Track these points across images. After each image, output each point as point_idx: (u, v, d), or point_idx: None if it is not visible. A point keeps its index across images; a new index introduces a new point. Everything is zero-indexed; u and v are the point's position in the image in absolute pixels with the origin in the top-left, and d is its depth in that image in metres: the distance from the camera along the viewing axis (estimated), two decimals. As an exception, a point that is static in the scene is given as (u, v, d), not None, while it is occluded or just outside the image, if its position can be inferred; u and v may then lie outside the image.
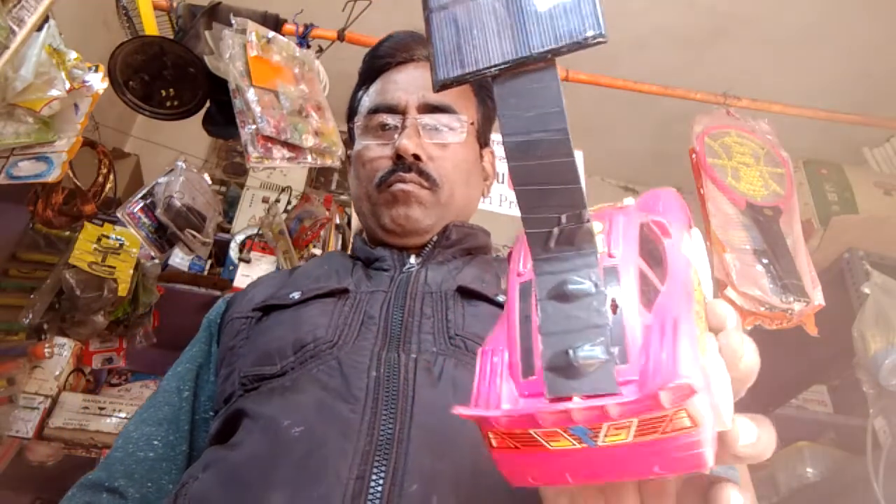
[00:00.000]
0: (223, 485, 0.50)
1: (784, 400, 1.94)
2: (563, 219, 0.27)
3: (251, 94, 1.24)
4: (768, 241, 1.37)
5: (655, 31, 2.23)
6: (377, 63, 0.82)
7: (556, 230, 0.27)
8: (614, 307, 0.27)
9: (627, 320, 0.26)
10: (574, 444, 0.26)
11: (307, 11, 1.56)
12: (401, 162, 0.72)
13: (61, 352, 1.69)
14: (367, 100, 0.81)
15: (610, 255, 0.28)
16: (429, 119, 0.75)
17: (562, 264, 0.28)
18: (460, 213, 0.77)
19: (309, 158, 1.31)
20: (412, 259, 0.72)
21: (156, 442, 0.65)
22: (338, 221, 2.09)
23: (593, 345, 0.26)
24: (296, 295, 0.66)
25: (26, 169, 1.25)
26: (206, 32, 1.40)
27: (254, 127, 1.23)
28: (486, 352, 0.30)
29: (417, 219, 0.72)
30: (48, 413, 1.62)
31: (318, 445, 0.48)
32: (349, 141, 0.86)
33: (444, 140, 0.76)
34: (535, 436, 0.26)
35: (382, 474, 0.46)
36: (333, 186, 2.54)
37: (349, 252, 0.80)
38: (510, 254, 0.33)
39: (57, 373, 1.67)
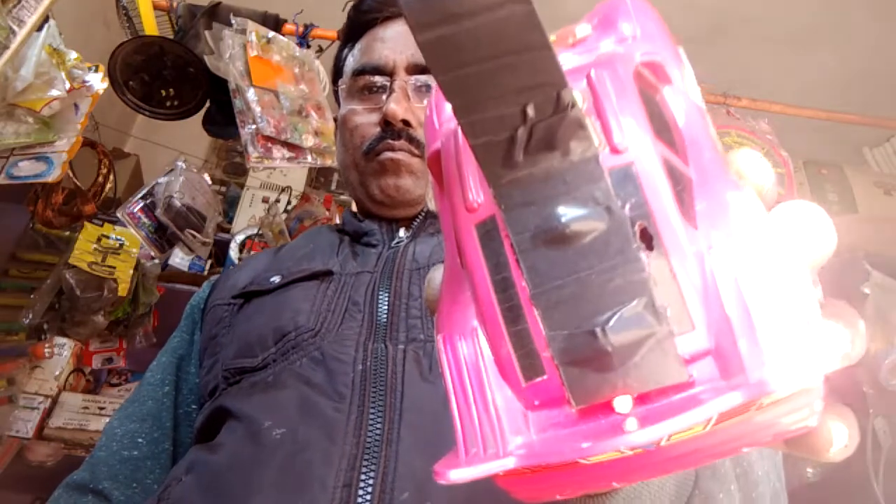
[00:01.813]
0: (204, 491, 0.47)
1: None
2: (530, 110, 0.16)
3: (251, 94, 1.24)
4: (768, 241, 1.37)
5: (655, 31, 2.23)
6: (362, 18, 0.75)
7: (521, 131, 0.17)
8: (646, 238, 0.17)
9: (674, 255, 0.17)
10: (625, 454, 0.17)
11: (307, 11, 1.56)
12: (389, 128, 0.66)
13: (61, 352, 1.69)
14: (352, 59, 0.74)
15: (615, 150, 0.18)
16: (419, 80, 0.69)
17: (542, 186, 0.17)
18: None
19: (309, 158, 1.31)
20: (402, 232, 0.67)
21: (140, 440, 0.62)
22: (338, 221, 2.09)
23: (629, 311, 0.16)
24: (276, 279, 0.62)
25: (26, 169, 1.25)
26: (206, 32, 1.40)
27: (254, 127, 1.23)
28: (449, 340, 0.20)
29: (408, 189, 0.67)
30: (48, 413, 1.62)
31: (300, 449, 0.45)
32: (336, 103, 0.80)
33: None
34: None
35: (371, 481, 0.42)
36: (333, 186, 2.53)
37: (340, 223, 0.75)
38: (434, 163, 0.22)
39: (57, 373, 1.67)
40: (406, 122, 0.67)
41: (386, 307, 0.55)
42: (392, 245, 0.64)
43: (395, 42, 0.71)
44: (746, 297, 0.16)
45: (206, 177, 1.64)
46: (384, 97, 0.69)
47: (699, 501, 0.42)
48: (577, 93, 0.18)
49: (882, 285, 1.59)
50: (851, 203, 1.87)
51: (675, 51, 0.21)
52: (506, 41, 0.15)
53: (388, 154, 0.66)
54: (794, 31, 2.19)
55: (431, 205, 0.69)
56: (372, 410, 0.46)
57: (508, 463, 0.17)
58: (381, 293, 0.56)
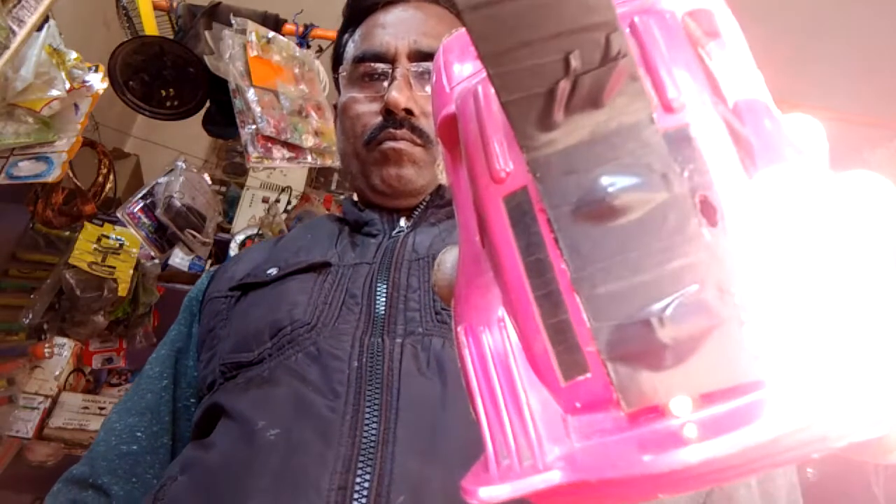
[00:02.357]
0: (197, 492, 0.46)
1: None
2: (574, 59, 0.14)
3: (251, 94, 1.24)
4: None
5: (655, 31, 2.24)
6: (363, 3, 0.73)
7: (562, 84, 0.14)
8: (709, 211, 0.14)
9: (740, 232, 0.14)
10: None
11: (307, 11, 1.56)
12: (391, 117, 0.65)
13: (61, 352, 1.69)
14: (353, 46, 0.72)
15: (668, 109, 0.15)
16: (421, 68, 0.67)
17: (586, 151, 0.15)
18: None
19: (309, 158, 1.31)
20: (402, 222, 0.65)
21: (139, 434, 0.61)
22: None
23: (688, 298, 0.14)
24: (273, 271, 0.60)
25: (26, 169, 1.25)
26: (206, 32, 1.40)
27: (254, 127, 1.23)
28: (472, 333, 0.17)
29: (410, 179, 0.65)
30: (48, 413, 1.63)
31: (295, 451, 0.44)
32: (336, 90, 0.78)
33: None
34: None
35: (367, 484, 0.41)
36: (333, 186, 2.53)
37: (340, 213, 0.73)
38: (445, 128, 0.19)
39: (57, 373, 1.67)
40: (408, 111, 0.65)
41: (384, 299, 0.54)
42: (392, 235, 0.63)
43: (396, 28, 0.69)
44: (833, 280, 0.14)
45: (206, 177, 1.64)
46: (385, 84, 0.67)
47: (719, 495, 0.42)
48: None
49: (882, 285, 1.59)
50: (851, 203, 1.87)
51: (722, 1, 0.18)
52: None
53: (390, 143, 0.65)
54: (794, 31, 2.19)
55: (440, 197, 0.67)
56: (367, 409, 0.45)
57: (553, 477, 0.14)
58: (379, 285, 0.55)
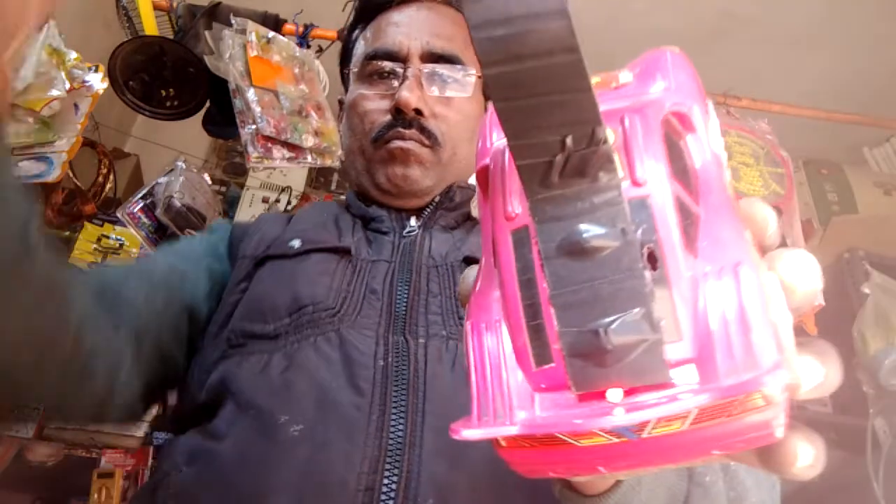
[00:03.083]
0: (211, 486, 0.45)
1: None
2: (569, 141, 0.19)
3: (251, 94, 1.24)
4: (768, 241, 1.37)
5: (656, 32, 2.23)
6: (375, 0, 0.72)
7: (559, 158, 0.19)
8: (652, 260, 0.20)
9: (672, 277, 0.20)
10: (610, 440, 0.21)
11: (307, 11, 1.56)
12: (400, 116, 0.65)
13: (61, 352, 1.69)
14: (364, 43, 0.72)
15: (635, 183, 0.21)
16: (433, 69, 0.67)
17: (572, 205, 0.20)
18: (461, 174, 0.69)
19: (309, 158, 1.31)
20: (413, 221, 0.65)
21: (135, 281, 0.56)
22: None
23: (629, 318, 0.19)
24: (295, 243, 0.59)
25: (26, 169, 1.25)
26: (206, 32, 1.40)
27: (254, 127, 1.23)
28: (476, 327, 0.23)
29: (416, 179, 0.65)
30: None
31: (320, 449, 0.43)
32: (343, 86, 0.78)
33: (449, 94, 0.67)
34: (561, 436, 0.21)
35: (394, 485, 0.41)
36: (333, 186, 2.53)
37: (345, 205, 0.72)
38: (482, 176, 0.25)
39: (57, 373, 1.67)
40: (418, 111, 0.65)
41: (405, 300, 0.54)
42: (405, 234, 0.63)
43: (409, 27, 0.68)
44: (728, 321, 0.19)
45: (206, 177, 1.64)
46: (396, 83, 0.67)
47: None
48: (611, 131, 0.21)
49: (882, 285, 1.59)
50: (851, 203, 1.87)
51: (704, 104, 0.24)
52: (555, 82, 0.18)
53: (398, 143, 0.65)
54: (794, 32, 2.19)
55: (467, 206, 0.68)
56: (394, 411, 0.45)
57: (512, 430, 0.20)
58: (400, 285, 0.55)
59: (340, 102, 0.78)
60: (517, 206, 0.22)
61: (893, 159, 2.35)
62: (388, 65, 0.68)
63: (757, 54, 2.27)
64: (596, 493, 0.33)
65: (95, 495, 1.51)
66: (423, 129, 0.65)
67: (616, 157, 0.20)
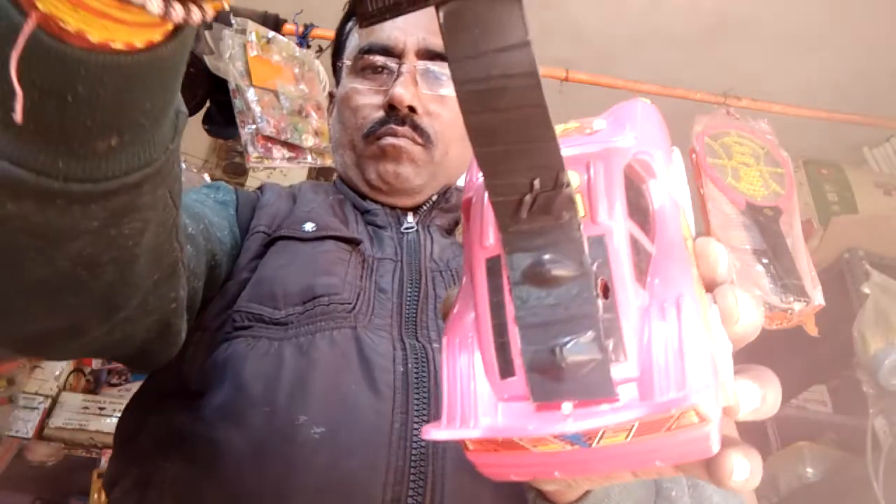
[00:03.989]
0: (220, 484, 0.43)
1: (784, 400, 1.94)
2: (536, 183, 0.22)
3: (251, 94, 1.24)
4: (768, 241, 1.37)
5: (655, 32, 2.23)
6: None
7: (527, 197, 0.22)
8: (605, 290, 0.23)
9: (621, 306, 0.23)
10: (564, 448, 0.23)
11: (307, 11, 1.56)
12: (394, 113, 0.64)
13: (61, 352, 1.69)
14: (358, 36, 0.71)
15: (594, 222, 0.24)
16: (428, 66, 0.66)
17: (537, 239, 0.23)
18: (453, 174, 0.69)
19: (309, 158, 1.31)
20: (410, 218, 0.64)
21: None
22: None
23: (582, 340, 0.22)
24: (308, 226, 0.58)
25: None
26: (206, 32, 1.40)
27: (254, 127, 1.23)
28: (452, 341, 0.25)
29: (407, 177, 0.64)
30: (48, 413, 1.63)
31: (342, 454, 0.42)
32: (334, 78, 0.76)
33: (444, 92, 0.66)
34: (519, 441, 0.23)
35: (420, 497, 0.40)
36: (333, 186, 2.53)
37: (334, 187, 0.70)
38: (466, 207, 0.28)
39: (57, 373, 1.67)
40: (412, 109, 0.64)
41: (415, 303, 0.53)
42: (402, 230, 0.62)
43: (406, 23, 0.66)
44: (667, 346, 0.22)
45: (206, 177, 1.64)
46: (390, 80, 0.66)
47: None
48: (576, 175, 0.24)
49: (882, 285, 1.59)
50: (851, 203, 1.87)
51: (668, 152, 0.27)
52: (526, 131, 0.21)
53: (390, 139, 0.64)
54: (794, 32, 2.19)
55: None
56: (416, 420, 0.44)
57: (475, 433, 0.23)
58: (408, 287, 0.54)
59: (331, 95, 0.76)
60: (492, 236, 0.25)
61: (893, 159, 2.35)
62: (382, 60, 0.67)
63: (757, 54, 2.27)
64: (566, 503, 0.34)
65: (95, 495, 1.51)
66: (417, 127, 0.64)
67: (578, 199, 0.24)
